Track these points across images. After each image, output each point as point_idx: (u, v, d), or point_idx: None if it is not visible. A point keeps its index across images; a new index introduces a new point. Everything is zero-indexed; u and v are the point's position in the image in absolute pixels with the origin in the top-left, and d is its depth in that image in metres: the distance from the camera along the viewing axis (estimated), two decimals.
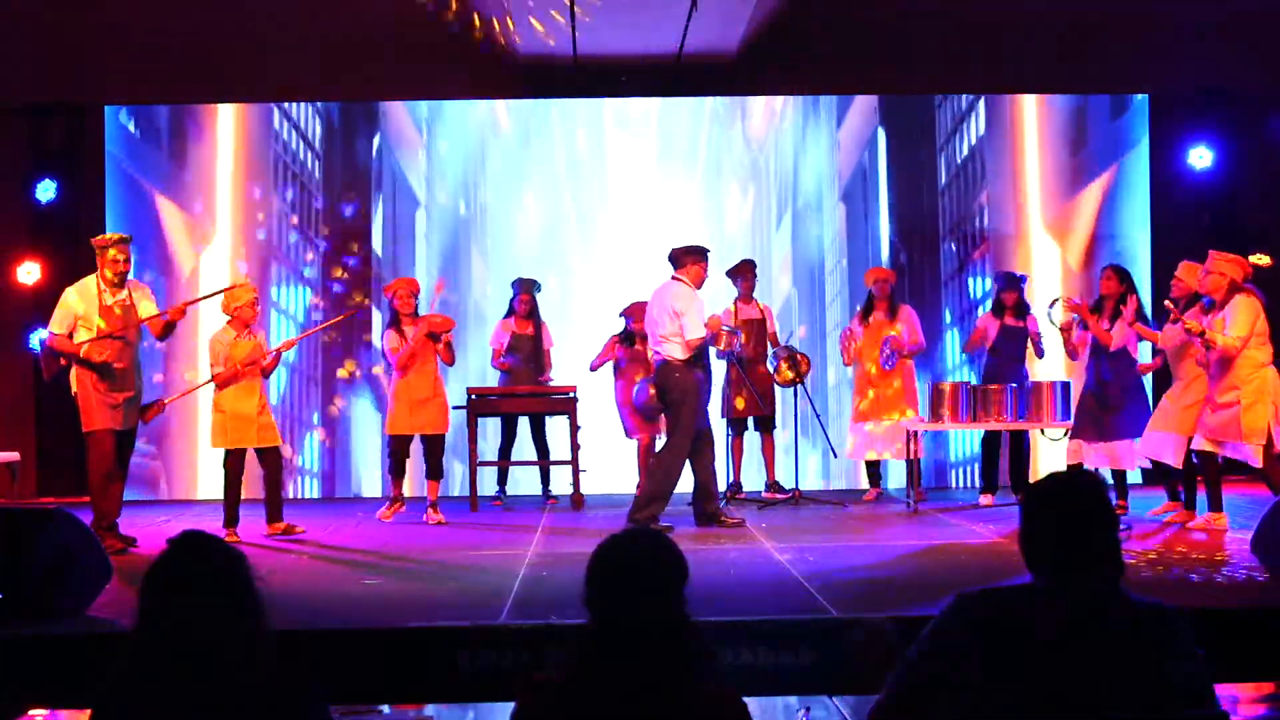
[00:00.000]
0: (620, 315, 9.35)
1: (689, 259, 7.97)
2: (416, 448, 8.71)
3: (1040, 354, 9.15)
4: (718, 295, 9.80)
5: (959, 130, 10.76)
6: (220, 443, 7.81)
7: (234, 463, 7.80)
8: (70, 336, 7.39)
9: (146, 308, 7.59)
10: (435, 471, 8.64)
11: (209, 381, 7.84)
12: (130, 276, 7.65)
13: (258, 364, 7.83)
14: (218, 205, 10.45)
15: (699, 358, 7.96)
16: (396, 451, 8.64)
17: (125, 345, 7.44)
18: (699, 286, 7.98)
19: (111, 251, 7.43)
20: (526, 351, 9.36)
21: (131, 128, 10.43)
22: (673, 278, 8.00)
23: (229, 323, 7.83)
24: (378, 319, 10.18)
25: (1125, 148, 10.59)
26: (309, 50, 10.00)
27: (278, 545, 7.57)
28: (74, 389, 7.42)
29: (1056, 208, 10.62)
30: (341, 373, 10.44)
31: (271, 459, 7.87)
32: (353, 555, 7.25)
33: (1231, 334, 7.13)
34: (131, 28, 9.60)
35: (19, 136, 10.36)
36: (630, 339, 9.28)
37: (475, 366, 10.36)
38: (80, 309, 7.37)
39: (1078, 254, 10.57)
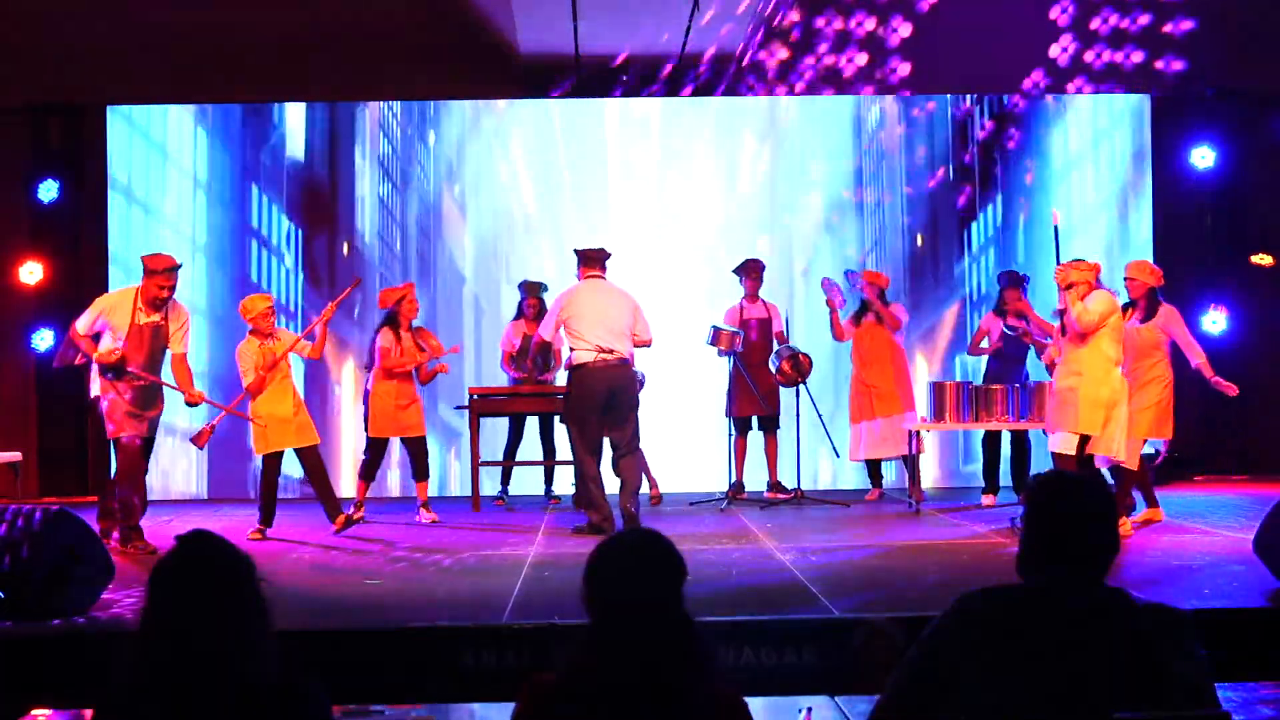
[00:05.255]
0: None
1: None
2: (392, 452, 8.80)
3: (1041, 355, 9.10)
4: (721, 294, 9.81)
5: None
6: (262, 448, 7.83)
7: (272, 466, 7.87)
8: (95, 339, 7.29)
9: (177, 340, 7.43)
10: (423, 472, 8.71)
11: (245, 394, 7.81)
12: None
13: (288, 354, 7.81)
14: (218, 207, 10.45)
15: None
16: (379, 454, 8.66)
17: (145, 369, 7.27)
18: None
19: (158, 278, 7.23)
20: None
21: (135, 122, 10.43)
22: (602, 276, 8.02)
23: (250, 333, 7.84)
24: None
25: (1127, 148, 10.58)
26: (309, 50, 9.99)
27: (281, 546, 7.58)
28: (95, 393, 7.32)
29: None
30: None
31: (311, 457, 7.89)
32: (354, 555, 7.25)
33: (1088, 308, 7.09)
34: (131, 28, 9.59)
35: (20, 136, 10.37)
36: None
37: (471, 365, 10.36)
38: (113, 319, 7.22)
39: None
